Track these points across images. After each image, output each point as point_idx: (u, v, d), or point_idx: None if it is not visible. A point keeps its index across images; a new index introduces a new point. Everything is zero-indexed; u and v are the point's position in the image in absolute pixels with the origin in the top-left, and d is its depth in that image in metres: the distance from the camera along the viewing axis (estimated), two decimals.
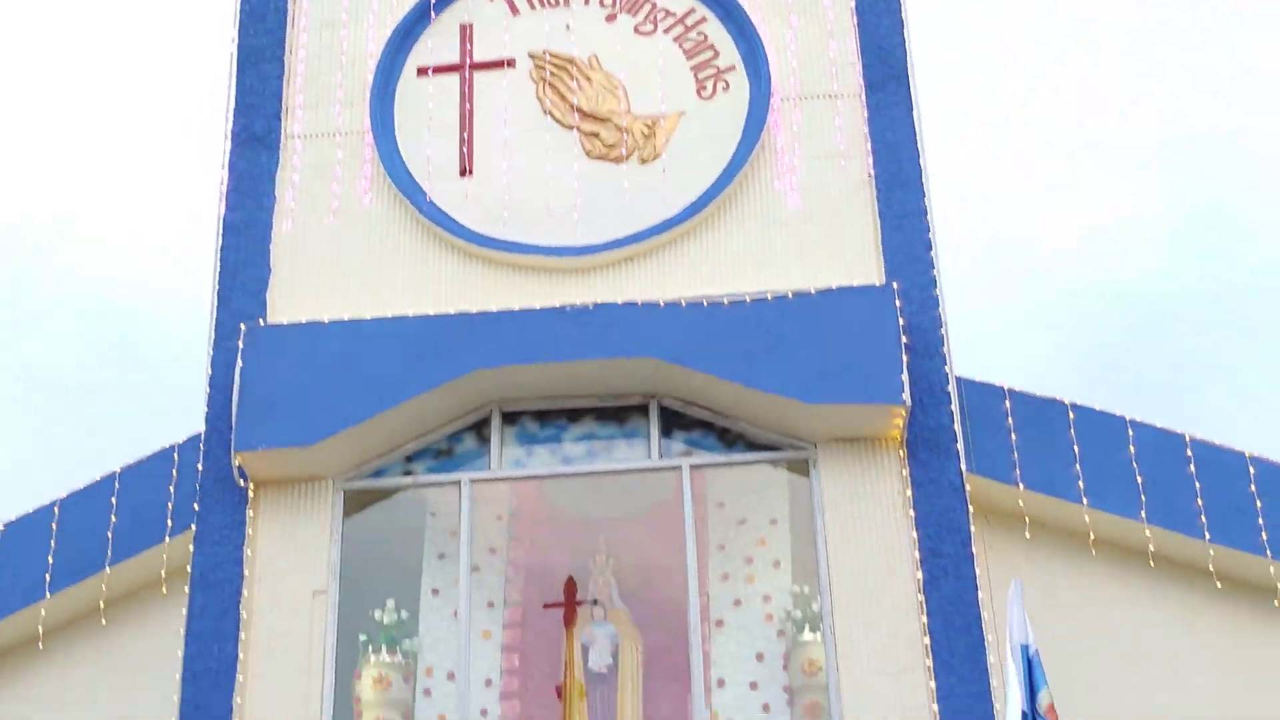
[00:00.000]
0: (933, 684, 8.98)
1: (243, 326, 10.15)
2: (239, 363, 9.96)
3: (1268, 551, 9.82)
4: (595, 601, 10.09)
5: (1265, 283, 30.25)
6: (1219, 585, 9.92)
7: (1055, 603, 9.67)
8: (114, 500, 10.62)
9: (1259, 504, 9.96)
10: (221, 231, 10.77)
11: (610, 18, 11.29)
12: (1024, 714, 7.38)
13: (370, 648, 9.80)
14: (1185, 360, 30.20)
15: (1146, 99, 31.49)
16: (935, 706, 8.93)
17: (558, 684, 9.88)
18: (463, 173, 10.85)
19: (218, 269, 10.66)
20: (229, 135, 11.11)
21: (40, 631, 10.47)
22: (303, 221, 10.74)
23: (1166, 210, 31.11)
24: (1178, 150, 31.64)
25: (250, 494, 9.84)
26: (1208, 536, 9.87)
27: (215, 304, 10.53)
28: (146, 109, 33.97)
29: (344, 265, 10.62)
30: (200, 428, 10.19)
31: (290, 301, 10.48)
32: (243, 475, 9.83)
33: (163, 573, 10.37)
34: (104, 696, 10.39)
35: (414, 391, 9.79)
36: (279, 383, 9.88)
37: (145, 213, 31.70)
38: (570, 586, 10.16)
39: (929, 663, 9.03)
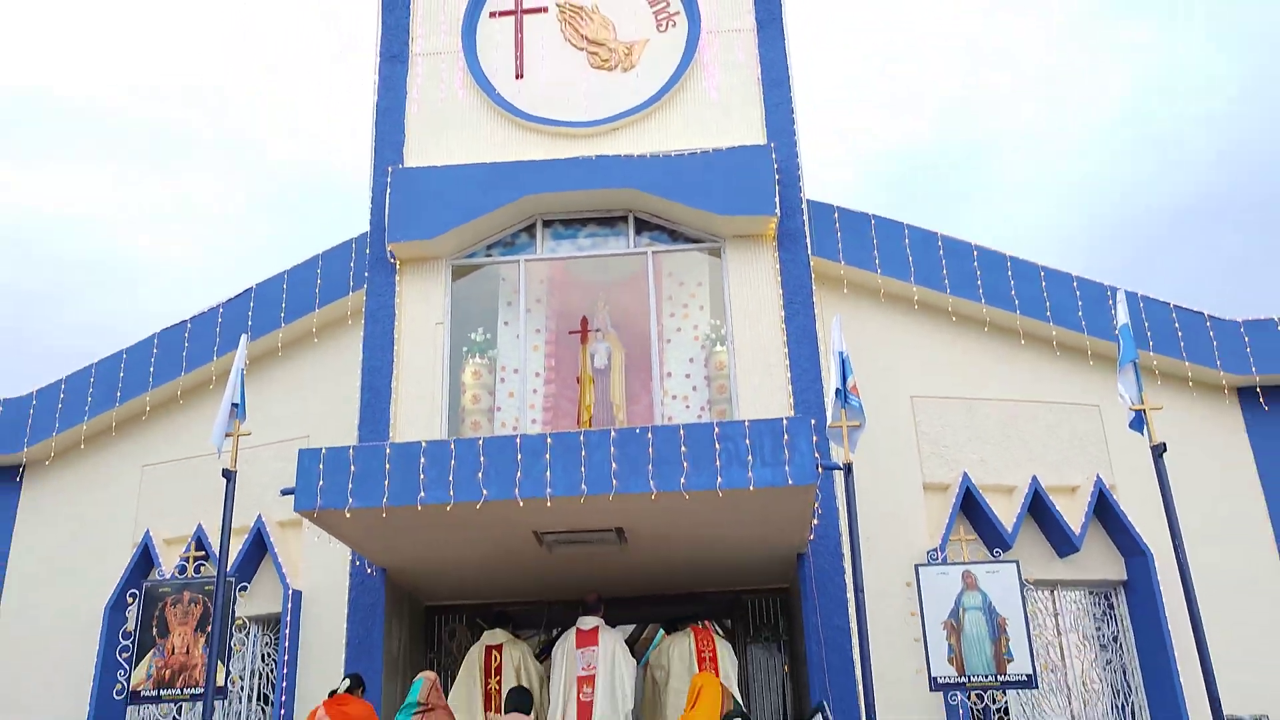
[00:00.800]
0: (789, 374, 11.24)
1: (390, 169, 12.10)
2: (388, 190, 11.96)
3: (982, 300, 12.64)
4: (598, 329, 12.12)
5: (997, 144, 39.84)
6: (953, 319, 12.78)
7: (859, 331, 12.24)
8: (319, 270, 13.15)
9: (978, 272, 12.74)
10: (376, 113, 12.66)
11: None
12: (838, 390, 9.45)
13: (469, 354, 11.99)
14: (947, 184, 39.86)
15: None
16: (789, 387, 11.20)
17: (577, 375, 12.05)
18: (517, 76, 12.74)
19: (374, 135, 12.61)
20: (378, 53, 12.87)
21: (279, 346, 13.24)
22: (423, 106, 12.63)
23: (935, 92, 40.58)
24: (931, 54, 41.29)
25: (398, 267, 11.93)
26: (948, 289, 12.65)
27: (373, 156, 12.47)
28: (322, 30, 40.97)
29: (448, 133, 12.48)
30: (367, 229, 12.30)
31: (418, 154, 12.40)
32: (393, 256, 11.89)
33: (348, 312, 12.99)
34: (318, 386, 12.95)
35: (489, 208, 11.78)
36: (412, 202, 11.80)
37: (334, 98, 39.96)
38: (584, 321, 12.29)
39: (787, 363, 11.30)
